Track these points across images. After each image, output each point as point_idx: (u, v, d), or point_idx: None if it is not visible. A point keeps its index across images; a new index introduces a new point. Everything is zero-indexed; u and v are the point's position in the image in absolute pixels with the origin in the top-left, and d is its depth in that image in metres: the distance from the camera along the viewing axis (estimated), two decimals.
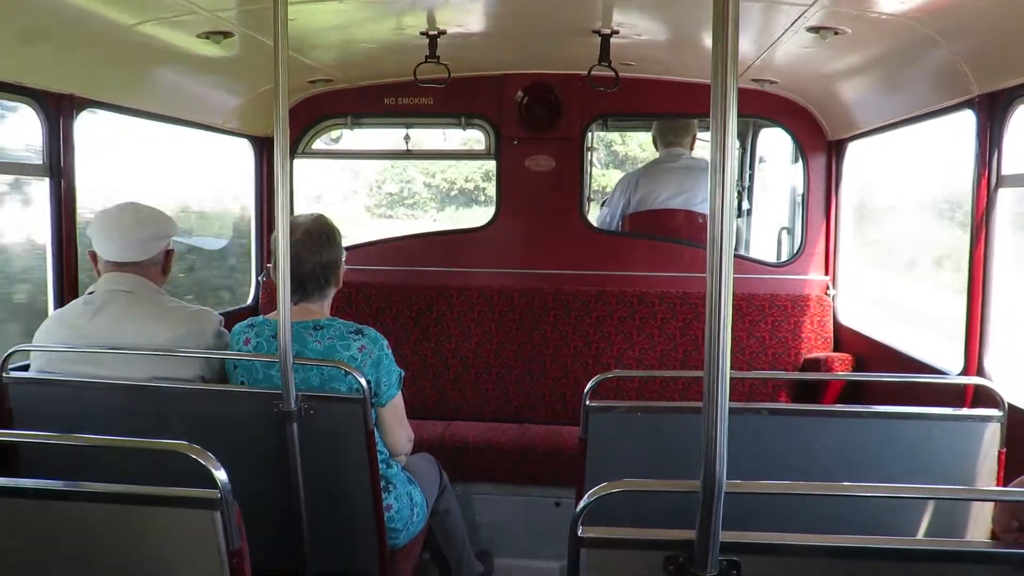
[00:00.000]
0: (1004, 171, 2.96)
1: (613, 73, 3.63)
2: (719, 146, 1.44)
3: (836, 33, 3.13)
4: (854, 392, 4.21)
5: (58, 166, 3.24)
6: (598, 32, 3.55)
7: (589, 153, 5.42)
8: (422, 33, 3.60)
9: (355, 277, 4.79)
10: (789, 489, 1.91)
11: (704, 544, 1.57)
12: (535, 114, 4.72)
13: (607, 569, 1.70)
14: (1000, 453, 2.60)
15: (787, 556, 1.64)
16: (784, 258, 5.08)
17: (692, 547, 1.61)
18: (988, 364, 3.07)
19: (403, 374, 3.02)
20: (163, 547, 1.85)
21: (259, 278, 4.99)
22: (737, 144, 5.96)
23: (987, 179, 2.99)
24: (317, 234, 2.93)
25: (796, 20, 3.05)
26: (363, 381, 2.68)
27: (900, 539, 1.66)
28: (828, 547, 1.63)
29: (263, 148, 4.92)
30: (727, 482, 1.54)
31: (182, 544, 1.83)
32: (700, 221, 5.12)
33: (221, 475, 1.79)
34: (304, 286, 2.89)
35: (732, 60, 1.41)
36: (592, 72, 3.63)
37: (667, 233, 5.02)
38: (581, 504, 1.68)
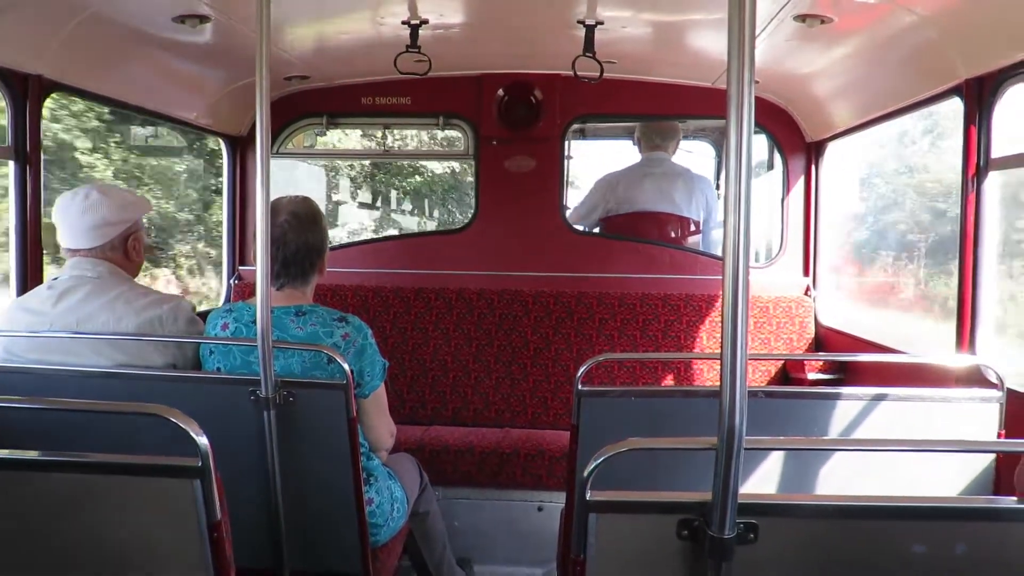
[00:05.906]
0: (993, 154, 2.95)
1: (597, 65, 3.59)
2: (736, 145, 1.40)
3: (823, 21, 3.12)
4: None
5: (23, 149, 3.11)
6: (582, 23, 3.51)
7: (567, 162, 5.37)
8: (403, 22, 3.53)
9: (331, 280, 4.67)
10: (808, 445, 1.83)
11: (722, 503, 1.48)
12: (516, 114, 4.67)
13: (615, 535, 1.60)
14: (999, 435, 2.55)
15: (807, 518, 1.56)
16: (763, 260, 5.06)
17: (706, 509, 1.52)
18: (980, 347, 3.04)
19: (387, 365, 2.92)
20: (139, 520, 1.71)
21: (231, 281, 4.84)
22: (714, 152, 5.99)
23: (975, 162, 2.98)
24: (304, 215, 2.82)
25: (784, 6, 3.03)
26: (347, 367, 2.57)
27: (929, 498, 1.58)
28: (854, 507, 1.54)
29: (236, 147, 4.80)
30: (746, 438, 1.46)
31: (159, 516, 1.70)
32: (679, 225, 5.08)
33: (202, 440, 1.66)
34: (288, 269, 2.78)
35: (748, 59, 1.38)
36: (576, 65, 3.59)
37: (647, 236, 4.98)
38: (590, 467, 1.59)
